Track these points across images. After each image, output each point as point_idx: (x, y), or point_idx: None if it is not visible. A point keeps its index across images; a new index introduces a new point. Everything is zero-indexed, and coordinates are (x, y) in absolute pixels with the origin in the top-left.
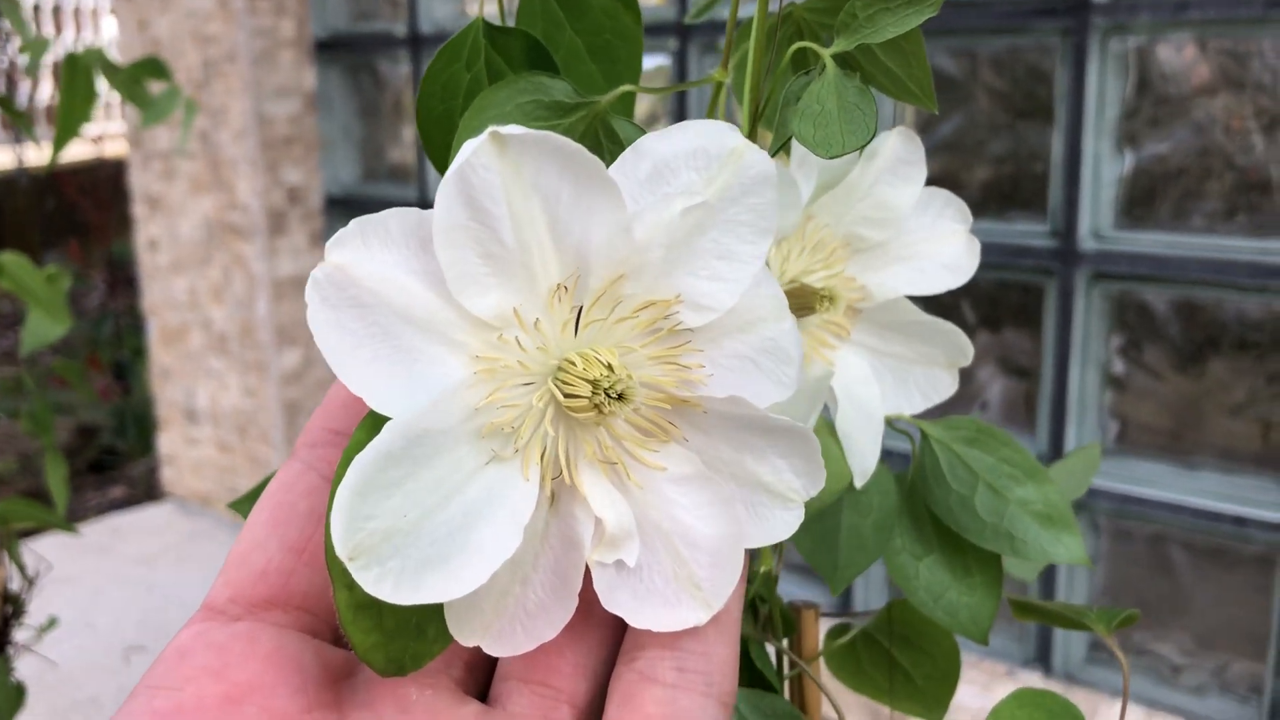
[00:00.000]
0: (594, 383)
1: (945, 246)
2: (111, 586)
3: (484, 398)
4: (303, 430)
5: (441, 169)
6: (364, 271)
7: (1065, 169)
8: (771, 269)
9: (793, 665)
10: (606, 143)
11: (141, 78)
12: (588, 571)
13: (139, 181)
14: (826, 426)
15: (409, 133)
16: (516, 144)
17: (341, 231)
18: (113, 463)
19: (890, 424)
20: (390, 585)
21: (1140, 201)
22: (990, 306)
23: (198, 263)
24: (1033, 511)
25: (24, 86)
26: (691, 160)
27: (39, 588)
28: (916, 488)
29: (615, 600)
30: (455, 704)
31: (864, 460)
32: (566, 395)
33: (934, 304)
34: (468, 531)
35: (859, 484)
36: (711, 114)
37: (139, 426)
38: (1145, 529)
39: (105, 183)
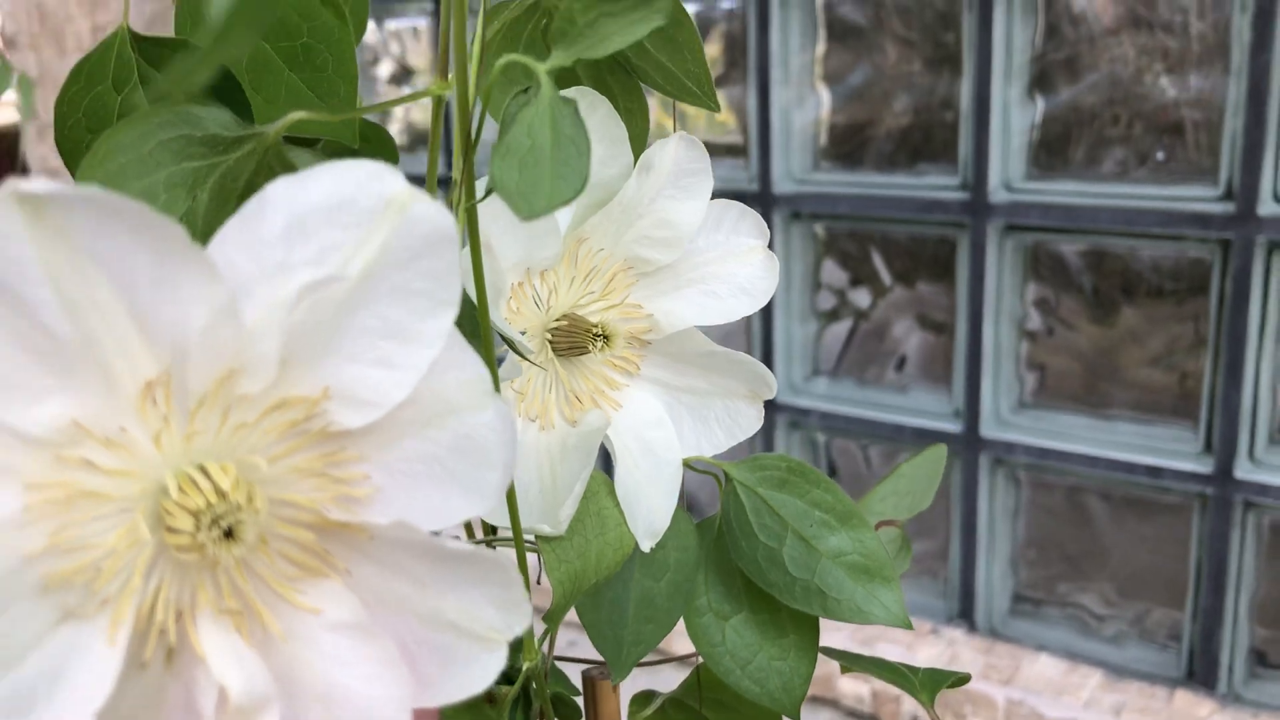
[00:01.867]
0: (196, 514)
1: (741, 266)
2: None
3: (44, 539)
4: None
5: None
6: None
7: (974, 118)
8: (541, 302)
9: None
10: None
11: None
12: None
13: (35, 154)
14: (604, 485)
15: None
16: (57, 206)
17: None
18: None
19: (691, 467)
20: None
21: (1051, 150)
22: (904, 261)
23: None
24: (847, 563)
25: None
26: (336, 215)
27: None
28: (721, 540)
29: None
30: None
31: (652, 518)
32: (169, 529)
33: (848, 259)
34: (41, 707)
35: (645, 547)
36: (434, 134)
37: None
38: (1064, 481)
39: (3, 154)
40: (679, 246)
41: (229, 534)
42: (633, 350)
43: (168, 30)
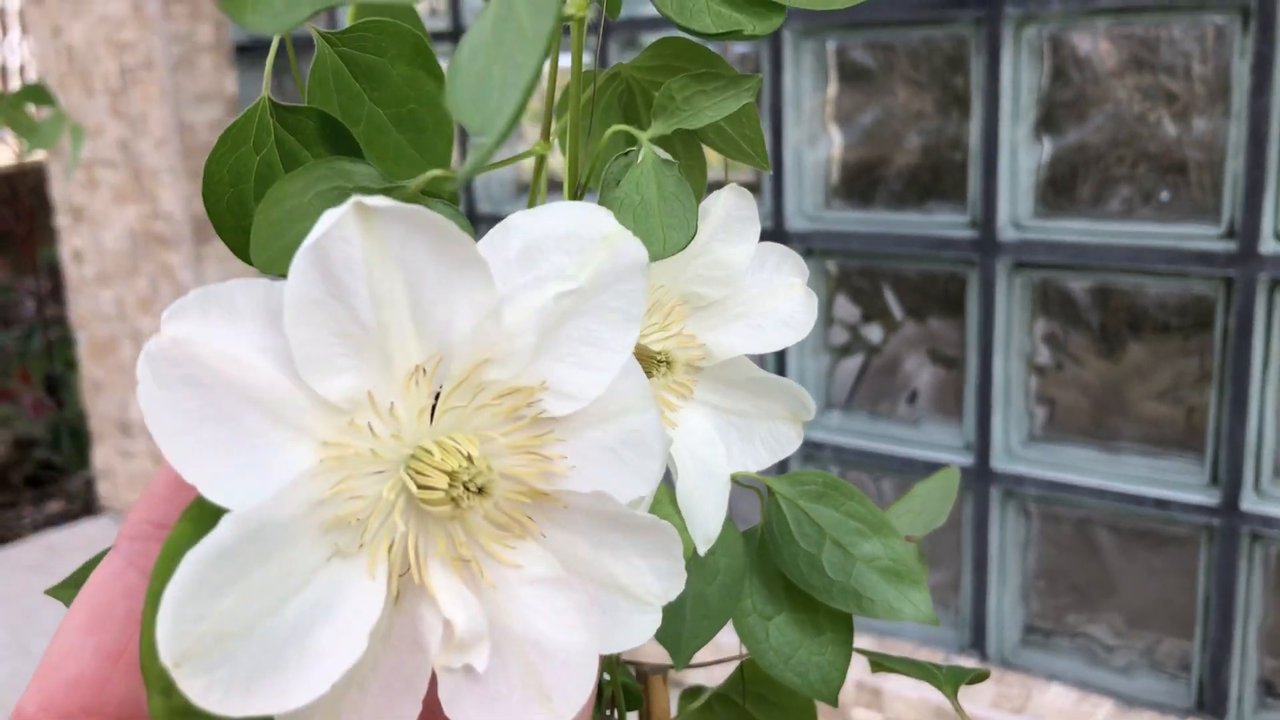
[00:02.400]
0: (451, 474)
1: (783, 302)
2: (47, 607)
3: (330, 488)
4: (126, 519)
5: (236, 251)
6: (204, 347)
7: (983, 159)
8: None
9: None
10: None
11: (23, 104)
12: (433, 675)
13: (60, 193)
14: (666, 495)
15: None
16: (383, 217)
17: (180, 301)
18: (50, 477)
19: (737, 481)
20: (219, 695)
21: (1058, 189)
22: (916, 296)
23: (124, 273)
24: (879, 567)
25: None
26: (564, 243)
27: None
28: (765, 546)
29: (459, 708)
30: None
31: (707, 525)
32: (421, 487)
33: (860, 295)
34: (307, 636)
35: (702, 551)
36: (535, 187)
37: (74, 439)
38: (1073, 513)
39: (28, 191)
40: (730, 285)
41: (480, 491)
42: (688, 376)
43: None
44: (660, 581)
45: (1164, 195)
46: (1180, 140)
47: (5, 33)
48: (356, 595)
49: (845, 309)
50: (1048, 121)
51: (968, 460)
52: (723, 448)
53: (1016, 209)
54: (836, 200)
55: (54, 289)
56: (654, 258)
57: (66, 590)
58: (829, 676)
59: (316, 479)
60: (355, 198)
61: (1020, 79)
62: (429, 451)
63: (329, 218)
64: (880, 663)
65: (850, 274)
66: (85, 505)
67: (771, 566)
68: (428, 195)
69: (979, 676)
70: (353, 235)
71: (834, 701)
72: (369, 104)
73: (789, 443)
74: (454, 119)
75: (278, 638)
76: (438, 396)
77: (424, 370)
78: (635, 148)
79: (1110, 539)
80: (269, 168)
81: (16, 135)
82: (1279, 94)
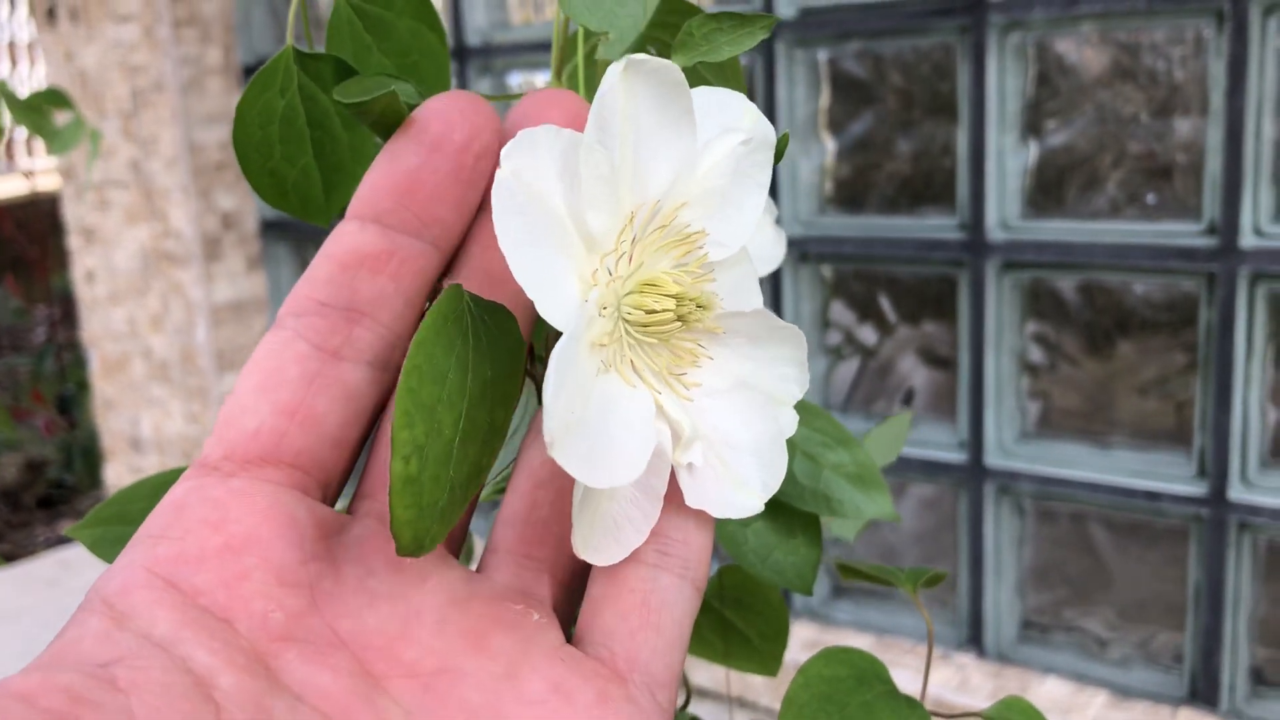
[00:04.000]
0: (677, 297)
1: (759, 239)
2: (60, 620)
3: (591, 314)
4: (285, 303)
5: (261, 193)
6: (529, 176)
7: (971, 163)
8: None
9: None
10: None
11: (42, 107)
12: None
13: (73, 213)
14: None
15: None
16: (638, 68)
17: (514, 141)
18: (62, 497)
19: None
20: (583, 467)
21: (1045, 191)
22: (909, 299)
23: (135, 292)
24: (845, 474)
25: None
26: (721, 113)
27: None
28: None
29: (691, 498)
30: (444, 567)
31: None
32: (649, 312)
33: (855, 300)
34: (612, 427)
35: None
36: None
37: (86, 459)
38: (1067, 508)
39: (41, 218)
40: None
41: (702, 306)
42: None
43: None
44: (797, 384)
45: (1147, 194)
46: (1162, 141)
47: (14, 64)
48: (627, 398)
49: (841, 313)
50: (1034, 125)
51: (962, 458)
52: None
53: (1005, 211)
54: (830, 206)
55: (65, 315)
56: (595, 26)
57: (86, 530)
58: (802, 572)
59: (584, 307)
60: (629, 56)
61: (1006, 84)
62: (650, 284)
63: (612, 73)
64: (848, 569)
65: (845, 279)
66: None
67: None
68: None
69: (936, 578)
70: (618, 84)
71: (809, 592)
72: (377, 54)
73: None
74: (448, 70)
75: (597, 427)
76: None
77: (633, 217)
78: None
79: (1103, 533)
80: (292, 110)
81: (38, 137)
82: (1253, 94)
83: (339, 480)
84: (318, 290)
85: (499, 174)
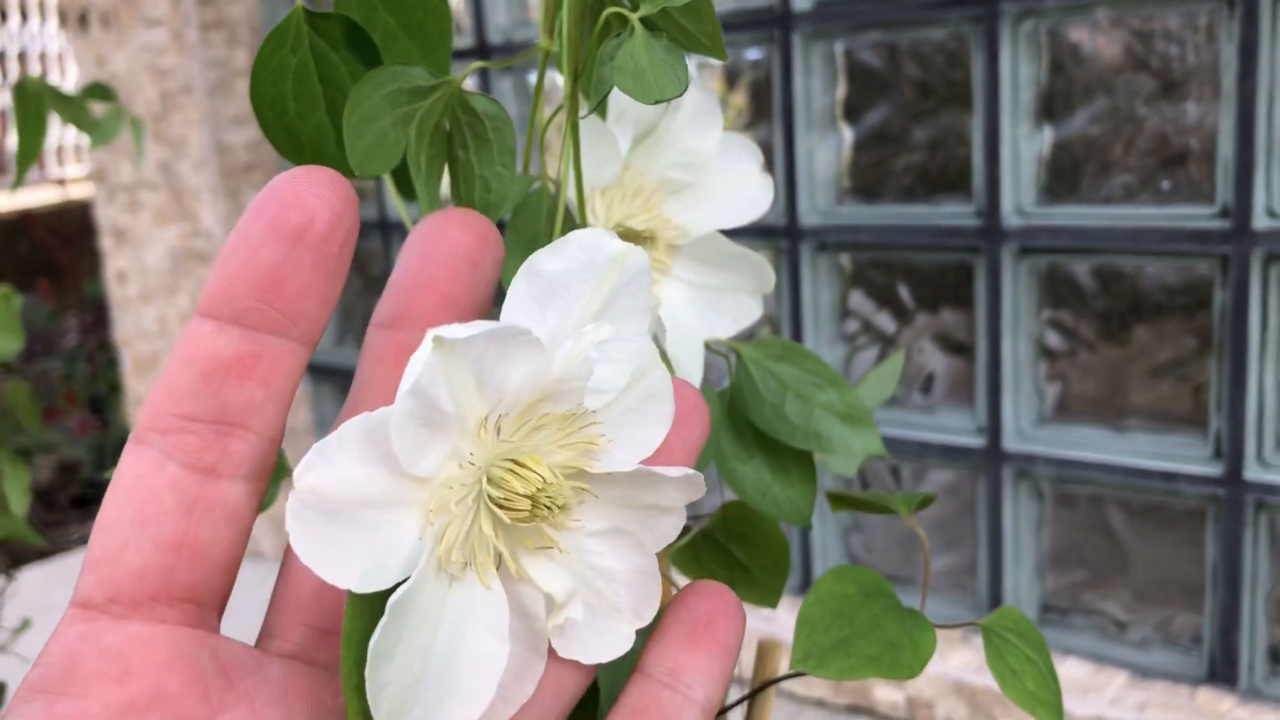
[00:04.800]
0: (532, 497)
1: (744, 184)
2: None
3: (436, 536)
4: (142, 415)
5: (278, 147)
6: (328, 484)
7: (986, 151)
8: (599, 217)
9: None
10: (463, 116)
11: (86, 102)
12: None
13: (105, 215)
14: (659, 350)
15: None
16: (453, 345)
17: (305, 459)
18: (95, 495)
19: (709, 347)
20: None
21: (1060, 177)
22: (926, 287)
23: (166, 291)
24: (835, 412)
25: None
26: (580, 273)
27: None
28: (735, 402)
29: (567, 649)
30: None
31: (691, 376)
32: (506, 509)
33: (874, 289)
34: (461, 655)
35: None
36: (541, 80)
37: (118, 459)
38: (1084, 491)
39: (74, 225)
40: (699, 170)
41: (561, 507)
42: (666, 255)
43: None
44: (684, 494)
45: (1160, 178)
46: (1175, 125)
47: (45, 74)
48: (479, 607)
49: (860, 302)
50: (1048, 111)
51: (980, 442)
52: (696, 316)
53: (1020, 197)
54: (848, 196)
55: (95, 321)
56: (652, 101)
57: None
58: (799, 506)
59: (424, 536)
60: (432, 333)
61: (1019, 72)
62: (504, 479)
63: (417, 362)
64: (840, 499)
65: (863, 267)
66: None
67: (742, 419)
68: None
69: (927, 500)
70: (433, 361)
71: (807, 524)
72: (383, 13)
73: (751, 313)
74: (450, 29)
75: (440, 668)
76: (500, 429)
77: (487, 420)
78: (627, 28)
79: (1120, 516)
80: (303, 68)
81: (80, 130)
82: (1265, 77)
83: (226, 599)
84: (182, 404)
85: (290, 501)
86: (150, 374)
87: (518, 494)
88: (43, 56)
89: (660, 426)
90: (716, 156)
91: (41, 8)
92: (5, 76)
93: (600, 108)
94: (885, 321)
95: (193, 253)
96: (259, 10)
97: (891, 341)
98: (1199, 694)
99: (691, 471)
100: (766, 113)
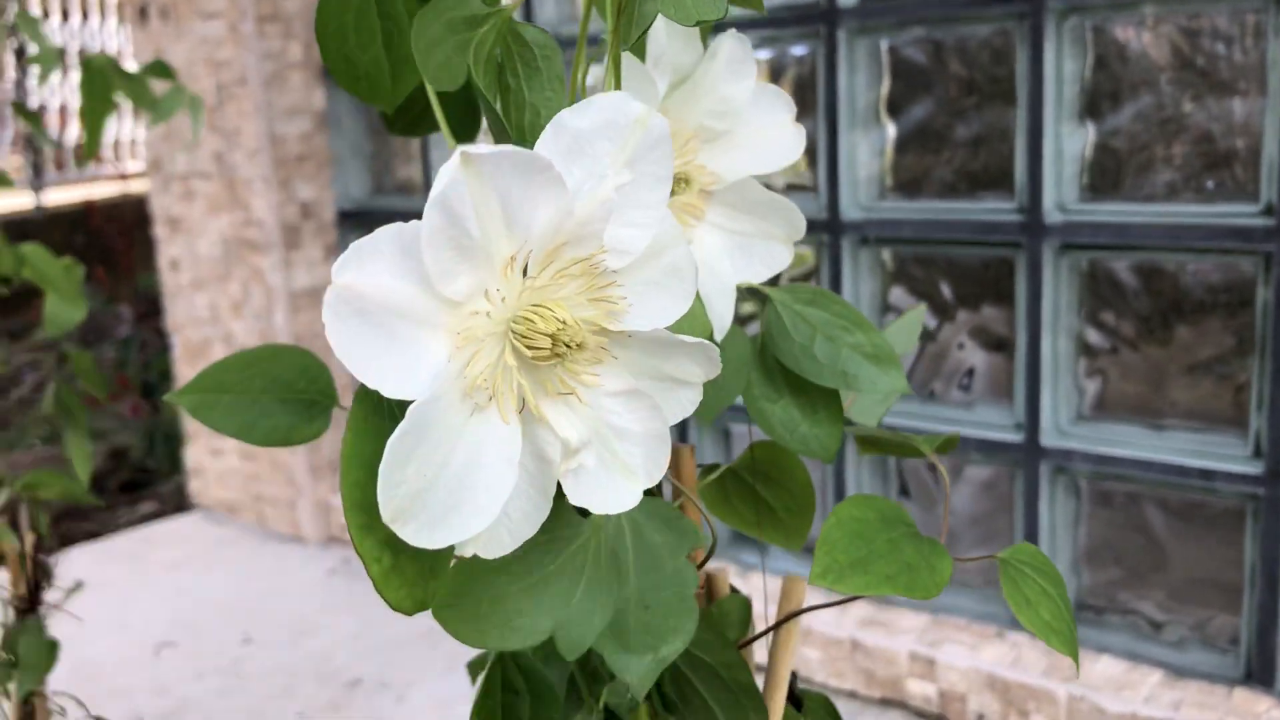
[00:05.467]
0: (553, 336)
1: (777, 132)
2: (143, 590)
3: (464, 363)
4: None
5: (337, 76)
6: (364, 285)
7: (1028, 147)
8: None
9: (675, 493)
10: (514, 45)
11: (148, 79)
12: None
13: (159, 204)
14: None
15: (416, 147)
16: (481, 160)
17: (342, 256)
18: (144, 481)
19: (742, 290)
20: (424, 535)
21: (1102, 173)
22: (967, 282)
23: (217, 279)
24: (863, 353)
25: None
26: (604, 131)
27: (75, 596)
28: (766, 344)
29: (578, 495)
30: None
31: (721, 318)
32: (529, 348)
33: (915, 284)
34: (472, 478)
35: (718, 336)
36: (587, 12)
37: (168, 445)
38: (1122, 489)
39: (131, 218)
40: (734, 118)
41: (579, 345)
42: (700, 199)
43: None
44: (703, 368)
45: (1203, 175)
46: (1219, 123)
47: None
48: (497, 439)
49: (901, 298)
50: (1092, 108)
51: (1018, 438)
52: (729, 261)
53: (1062, 193)
54: (890, 191)
55: (148, 312)
56: (691, 24)
57: (185, 396)
58: (825, 444)
59: (453, 360)
60: (460, 149)
61: (1063, 69)
62: (529, 319)
63: (445, 172)
64: (866, 441)
65: (905, 261)
66: (176, 506)
67: (773, 361)
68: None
69: (950, 442)
70: (460, 177)
71: (831, 459)
72: None
73: (781, 259)
74: None
75: (453, 484)
76: (526, 273)
77: (514, 259)
78: None
79: (1158, 514)
80: (365, 2)
81: (140, 109)
82: None
83: None
84: None
85: (327, 294)
86: (200, 360)
87: (540, 332)
88: (102, 53)
89: (681, 301)
90: (749, 105)
91: (102, 6)
92: (65, 73)
93: (639, 45)
94: (926, 317)
95: (244, 241)
96: (315, 4)
97: (932, 337)
98: (1235, 694)
99: (707, 342)
100: (811, 106)
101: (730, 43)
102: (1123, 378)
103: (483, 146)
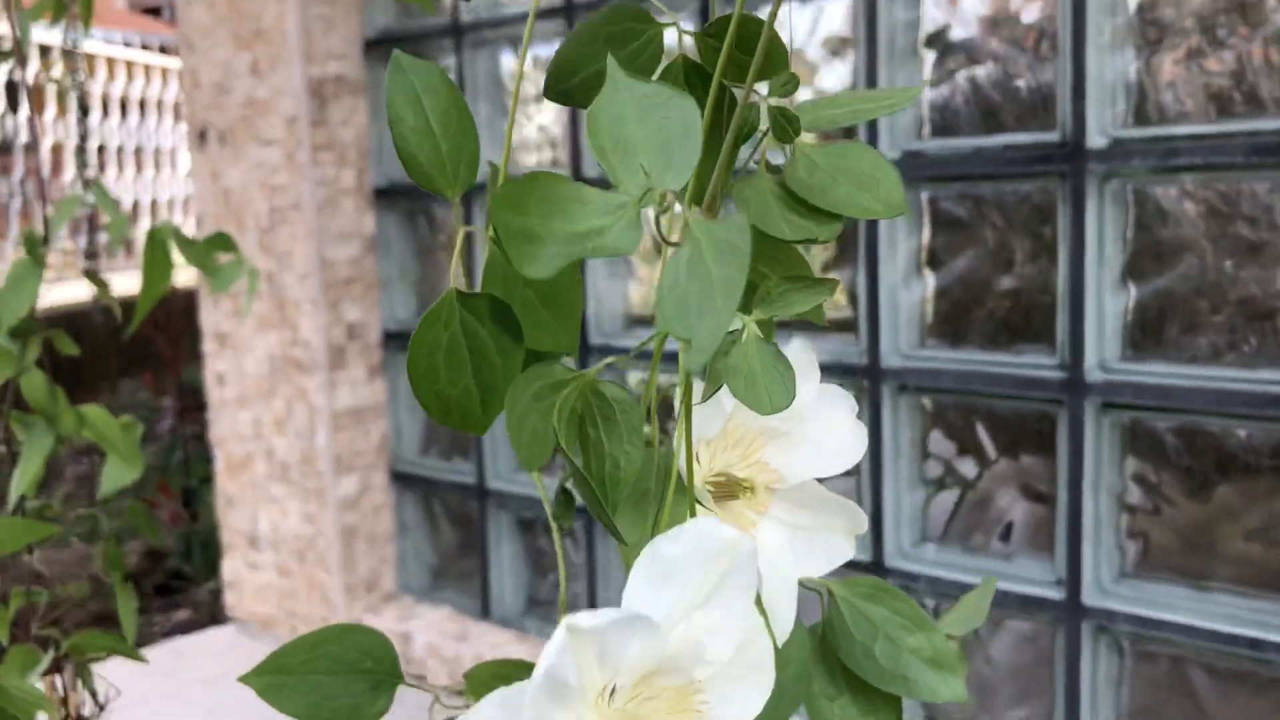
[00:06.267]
0: None
1: (839, 433)
2: (175, 707)
3: None
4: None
5: (428, 409)
6: None
7: (1070, 304)
8: (703, 465)
9: None
10: (595, 401)
11: (211, 251)
12: None
13: (209, 320)
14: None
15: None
16: (585, 633)
17: None
18: (179, 586)
19: (804, 585)
20: None
21: (1145, 333)
22: (1008, 433)
23: (262, 395)
24: (923, 657)
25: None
26: (694, 558)
27: (108, 711)
28: (827, 639)
29: None
30: None
31: (784, 622)
32: None
33: (950, 428)
34: None
35: (780, 642)
36: (655, 362)
37: (205, 551)
38: (1166, 650)
39: (177, 313)
40: (798, 419)
41: None
42: (765, 497)
43: None
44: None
45: (1247, 340)
46: (1263, 287)
47: (158, 169)
48: None
49: (940, 444)
50: (1133, 268)
51: (1059, 595)
52: (791, 556)
53: (1104, 352)
54: (930, 339)
55: (187, 408)
56: (765, 413)
57: (254, 678)
58: None
59: None
60: (566, 622)
61: (1105, 229)
62: None
63: (554, 649)
64: None
65: (945, 409)
66: (211, 614)
67: (833, 656)
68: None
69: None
70: (567, 645)
71: None
72: (523, 288)
73: (844, 553)
74: (580, 300)
75: None
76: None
77: (605, 689)
78: (740, 326)
79: (1204, 679)
80: (454, 341)
81: (203, 276)
82: None
83: None
84: None
85: None
86: (242, 475)
87: None
88: (157, 152)
89: (761, 692)
90: (814, 406)
91: (160, 106)
92: (122, 169)
93: (712, 395)
94: (966, 465)
95: (291, 360)
96: (368, 134)
97: (971, 486)
98: None
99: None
100: (852, 253)
101: (795, 350)
102: (1166, 537)
103: (585, 617)
